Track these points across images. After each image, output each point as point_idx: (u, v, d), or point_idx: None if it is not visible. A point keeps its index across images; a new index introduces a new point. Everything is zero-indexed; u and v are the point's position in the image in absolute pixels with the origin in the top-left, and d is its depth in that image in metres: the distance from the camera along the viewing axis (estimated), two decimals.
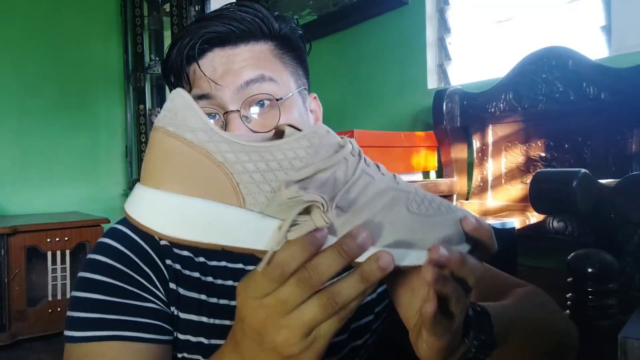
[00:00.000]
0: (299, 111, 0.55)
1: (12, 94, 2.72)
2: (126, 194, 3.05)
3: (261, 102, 0.52)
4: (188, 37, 0.53)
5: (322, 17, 1.91)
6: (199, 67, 0.53)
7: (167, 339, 0.53)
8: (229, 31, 0.52)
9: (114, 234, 0.56)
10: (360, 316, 0.63)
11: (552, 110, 1.13)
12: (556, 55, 1.11)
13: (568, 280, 0.65)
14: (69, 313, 0.52)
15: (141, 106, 2.76)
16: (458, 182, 1.33)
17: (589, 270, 0.62)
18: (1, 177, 2.69)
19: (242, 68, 0.52)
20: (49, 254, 2.39)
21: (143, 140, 2.78)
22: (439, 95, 1.34)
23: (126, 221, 0.57)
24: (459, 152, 1.35)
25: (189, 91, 0.54)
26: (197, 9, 2.95)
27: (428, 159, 1.41)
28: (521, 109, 1.18)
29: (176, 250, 0.56)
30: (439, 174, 1.44)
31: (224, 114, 0.52)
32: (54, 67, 2.83)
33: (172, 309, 0.54)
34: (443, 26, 1.59)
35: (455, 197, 1.33)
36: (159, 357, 0.51)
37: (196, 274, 0.55)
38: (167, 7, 2.88)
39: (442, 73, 1.60)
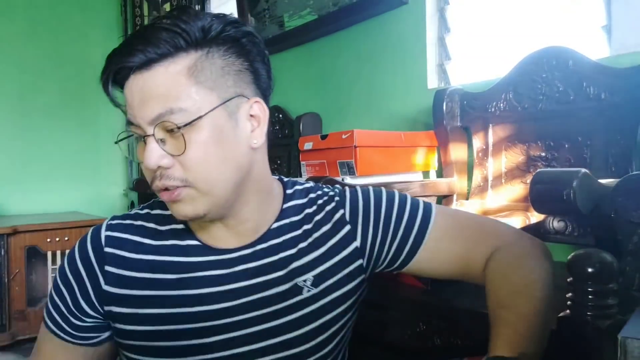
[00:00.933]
0: (216, 128, 0.58)
1: (13, 94, 2.72)
2: (126, 194, 3.05)
3: (171, 130, 0.56)
4: (108, 67, 0.58)
5: (322, 17, 1.91)
6: (121, 95, 0.60)
7: (83, 343, 0.66)
8: (144, 58, 0.55)
9: (81, 240, 0.67)
10: (336, 289, 0.68)
11: (552, 110, 1.12)
12: (556, 55, 1.11)
13: (568, 280, 0.65)
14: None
15: None
16: (458, 182, 1.33)
17: (589, 270, 0.62)
18: (1, 177, 2.69)
19: (151, 99, 0.56)
20: (49, 254, 2.39)
21: None
22: (439, 95, 1.33)
23: (96, 228, 0.67)
24: (459, 152, 1.34)
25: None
26: (197, 9, 2.95)
27: (428, 159, 1.41)
28: (521, 109, 1.18)
29: (115, 251, 0.64)
30: (439, 174, 1.44)
31: (143, 137, 0.58)
32: (54, 67, 2.83)
33: (108, 308, 0.64)
34: (443, 26, 1.59)
35: (455, 197, 1.33)
36: (78, 355, 0.66)
37: (134, 273, 0.64)
38: (167, 7, 2.88)
39: (442, 73, 1.60)
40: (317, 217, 0.68)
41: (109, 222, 0.67)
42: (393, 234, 0.68)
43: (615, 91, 1.01)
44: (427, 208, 0.70)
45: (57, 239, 2.40)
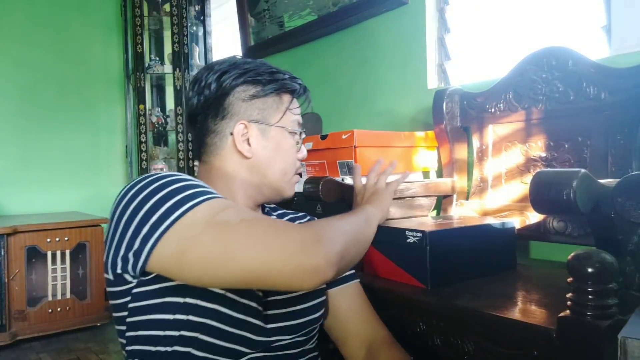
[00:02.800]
0: None
1: (13, 93, 2.72)
2: None
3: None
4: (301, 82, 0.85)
5: (322, 17, 1.91)
6: (299, 108, 0.85)
7: None
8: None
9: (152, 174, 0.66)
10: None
11: (552, 110, 1.13)
12: (556, 55, 1.11)
13: (568, 280, 0.65)
14: (181, 194, 0.59)
15: (141, 106, 2.76)
16: (458, 182, 1.33)
17: (589, 270, 0.62)
18: (1, 177, 2.69)
19: None
20: (49, 254, 2.39)
21: (143, 140, 2.78)
22: (439, 95, 1.34)
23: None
24: (459, 152, 1.35)
25: (299, 114, 0.85)
26: (197, 9, 2.95)
27: (428, 159, 1.41)
28: (521, 109, 1.19)
29: None
30: (439, 174, 1.44)
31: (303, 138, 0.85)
32: (54, 67, 2.83)
33: None
34: (443, 26, 1.59)
35: (455, 197, 1.33)
36: None
37: None
38: (167, 7, 2.88)
39: (442, 73, 1.60)
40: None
41: None
42: None
43: (615, 91, 1.01)
44: (355, 272, 0.91)
45: (57, 239, 2.40)
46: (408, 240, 0.93)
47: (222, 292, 0.65)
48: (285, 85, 0.81)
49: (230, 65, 0.78)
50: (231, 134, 0.76)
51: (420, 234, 0.90)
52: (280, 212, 0.91)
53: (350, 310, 0.87)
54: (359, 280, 0.92)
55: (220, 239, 0.55)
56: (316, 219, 0.90)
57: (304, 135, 0.85)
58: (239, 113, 0.77)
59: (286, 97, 0.82)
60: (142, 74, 2.76)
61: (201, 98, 0.77)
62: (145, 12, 2.85)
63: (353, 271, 0.91)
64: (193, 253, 0.54)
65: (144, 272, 0.60)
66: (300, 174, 0.86)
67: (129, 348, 0.66)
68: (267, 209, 0.89)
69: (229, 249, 0.54)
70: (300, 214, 0.93)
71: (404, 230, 0.94)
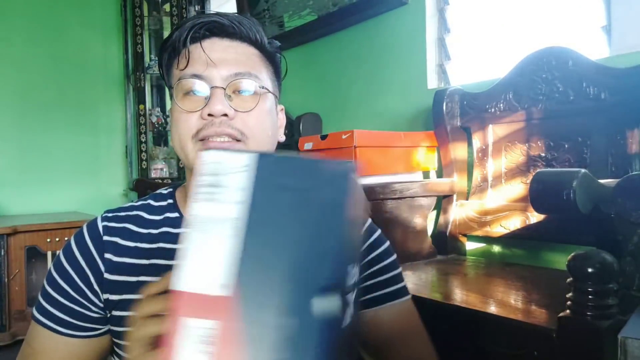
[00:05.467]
0: (271, 106, 0.67)
1: (13, 93, 2.72)
2: (126, 194, 3.05)
3: (242, 91, 0.64)
4: (194, 20, 0.64)
5: (322, 17, 1.91)
6: (202, 46, 0.63)
7: (84, 334, 0.66)
8: (229, 24, 0.64)
9: (76, 234, 0.69)
10: None
11: (552, 110, 1.13)
12: (556, 55, 1.12)
13: (568, 280, 0.65)
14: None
15: (141, 106, 2.76)
16: (458, 182, 1.33)
17: (589, 270, 0.62)
18: (1, 177, 2.69)
19: (235, 60, 0.63)
20: (49, 254, 2.39)
21: (143, 140, 2.78)
22: (439, 95, 1.34)
23: (92, 221, 0.70)
24: (459, 152, 1.35)
25: (185, 67, 0.63)
26: (197, 9, 2.95)
27: (428, 159, 1.41)
28: (521, 109, 1.19)
29: (113, 239, 0.67)
30: (439, 174, 1.44)
31: (210, 88, 0.62)
32: (54, 67, 2.83)
33: (106, 296, 0.65)
34: (443, 26, 1.59)
35: (455, 197, 1.33)
36: (75, 348, 0.65)
37: (131, 260, 0.66)
38: (167, 7, 2.88)
39: (442, 73, 1.60)
40: None
41: (104, 215, 0.71)
42: (377, 272, 0.72)
43: (615, 91, 1.01)
44: (406, 287, 0.75)
45: (57, 239, 2.40)
46: None
47: None
48: (171, 45, 0.65)
49: None
50: None
51: None
52: None
53: (396, 335, 0.71)
54: (410, 296, 0.74)
55: None
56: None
57: (204, 85, 0.62)
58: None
59: (176, 55, 0.66)
60: (142, 74, 2.76)
61: None
62: (145, 12, 2.85)
63: (403, 284, 0.74)
64: None
65: None
66: (214, 140, 0.62)
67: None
68: None
69: None
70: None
71: None
